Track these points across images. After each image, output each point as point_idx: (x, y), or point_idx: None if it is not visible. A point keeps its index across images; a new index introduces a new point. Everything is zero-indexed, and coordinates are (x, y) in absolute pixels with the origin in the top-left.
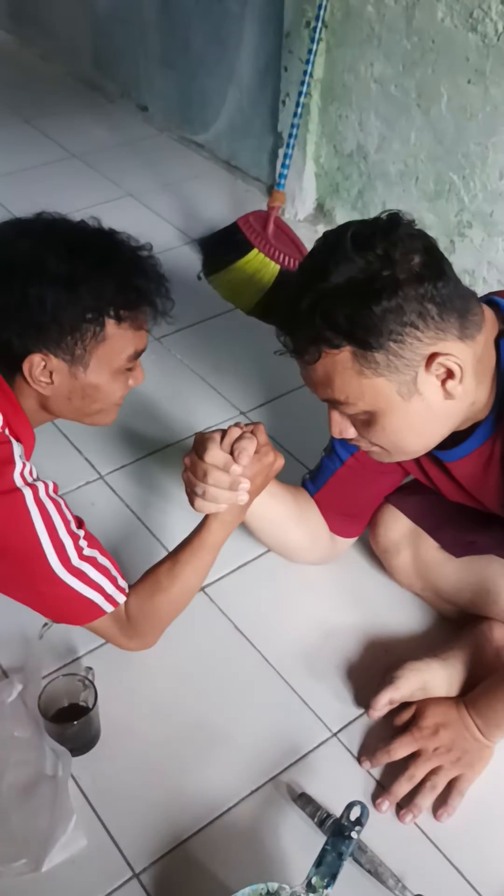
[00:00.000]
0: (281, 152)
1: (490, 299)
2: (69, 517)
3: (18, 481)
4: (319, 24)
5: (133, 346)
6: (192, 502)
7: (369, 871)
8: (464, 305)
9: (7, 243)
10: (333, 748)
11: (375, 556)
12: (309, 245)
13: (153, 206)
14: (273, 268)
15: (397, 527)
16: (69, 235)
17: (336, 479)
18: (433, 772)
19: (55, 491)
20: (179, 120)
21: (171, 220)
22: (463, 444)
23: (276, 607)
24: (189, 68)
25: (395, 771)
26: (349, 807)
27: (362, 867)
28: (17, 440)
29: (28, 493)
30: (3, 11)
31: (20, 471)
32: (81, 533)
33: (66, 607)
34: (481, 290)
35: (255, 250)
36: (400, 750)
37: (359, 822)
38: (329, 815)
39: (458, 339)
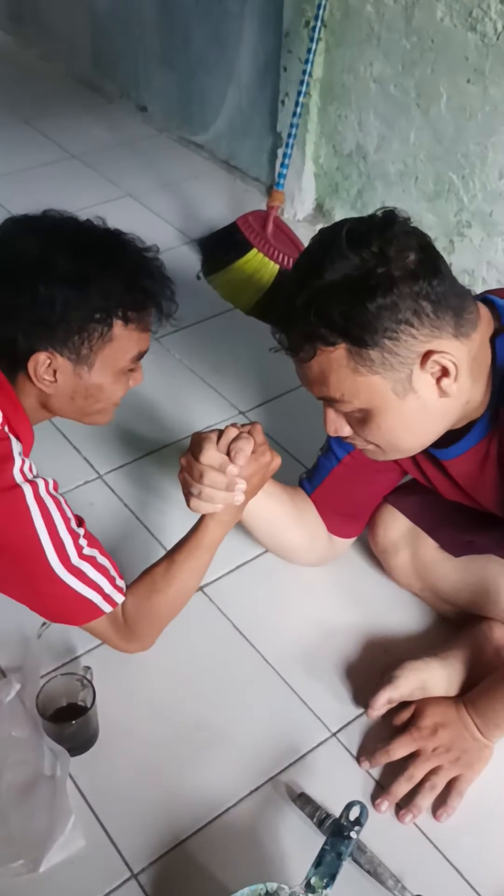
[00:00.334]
0: (280, 152)
1: (486, 298)
2: (69, 515)
3: (18, 478)
4: (319, 24)
5: (137, 347)
6: (188, 502)
7: (368, 872)
8: (459, 303)
9: (15, 241)
10: (332, 748)
11: (374, 556)
12: None
13: (152, 206)
14: (272, 267)
15: (396, 527)
16: (77, 235)
17: (333, 477)
18: (432, 772)
19: (55, 488)
20: (179, 120)
21: (170, 220)
22: (459, 442)
23: (274, 607)
24: (188, 68)
25: (394, 771)
26: (348, 807)
27: (361, 867)
28: (17, 437)
29: (28, 490)
30: (3, 12)
31: (20, 467)
32: (81, 531)
33: (63, 607)
34: (480, 290)
35: (255, 250)
36: (399, 750)
37: (358, 822)
38: (328, 816)
39: (454, 337)
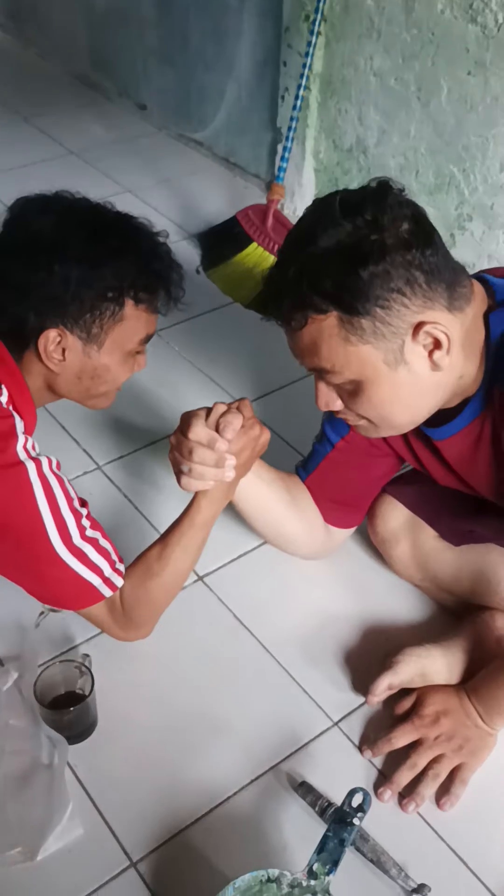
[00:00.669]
0: (280, 147)
1: (480, 276)
2: (72, 494)
3: (22, 454)
4: (319, 17)
5: (146, 329)
6: (178, 481)
7: (371, 861)
8: (453, 277)
9: (30, 220)
10: (334, 737)
11: (374, 547)
12: None
13: (151, 202)
14: (272, 261)
15: (395, 516)
16: (91, 215)
17: (327, 462)
18: (435, 760)
19: (58, 467)
20: (178, 117)
21: (169, 215)
22: (452, 421)
23: (275, 597)
24: (187, 65)
25: (396, 760)
26: (351, 793)
27: (364, 856)
28: (20, 417)
29: (31, 467)
30: (2, 11)
31: (23, 444)
32: (84, 511)
33: (62, 589)
34: None
35: (254, 244)
36: (401, 738)
37: (361, 808)
38: (330, 804)
39: (447, 310)
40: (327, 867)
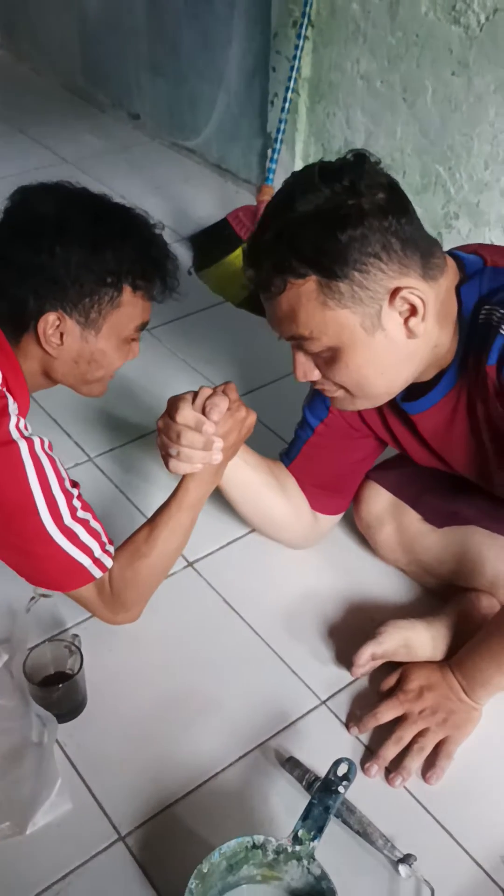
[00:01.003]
0: (269, 151)
1: (451, 252)
2: (64, 475)
3: (14, 433)
4: (305, 22)
5: (141, 316)
6: (167, 464)
7: (358, 833)
8: (427, 247)
9: (33, 204)
10: (322, 715)
11: (360, 534)
12: None
13: (144, 207)
14: None
15: (379, 501)
16: (92, 202)
17: (308, 447)
18: (420, 734)
19: (50, 448)
20: (170, 126)
21: (162, 220)
22: (428, 394)
23: (264, 582)
24: (179, 74)
25: (382, 736)
26: (336, 763)
27: (351, 828)
28: (13, 399)
29: (24, 446)
30: None
31: (15, 423)
32: (76, 492)
33: (52, 570)
34: None
35: (245, 244)
36: (386, 714)
37: (346, 777)
38: (317, 779)
39: (421, 279)
40: (312, 833)
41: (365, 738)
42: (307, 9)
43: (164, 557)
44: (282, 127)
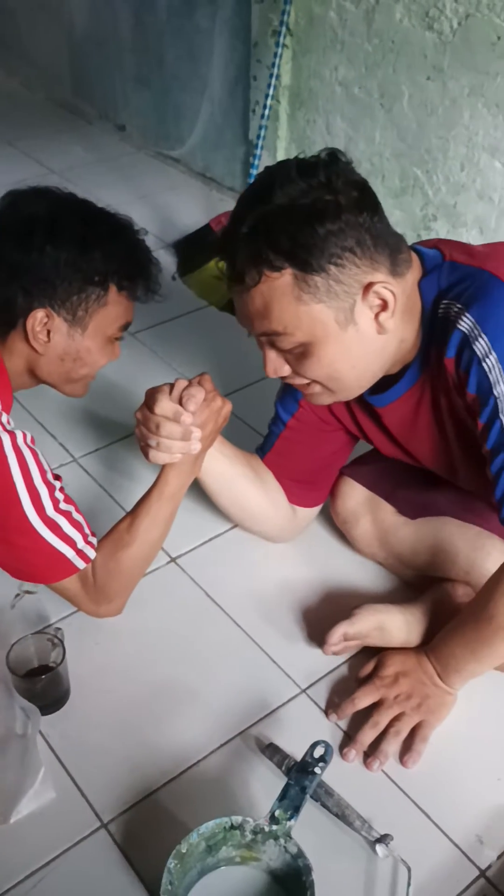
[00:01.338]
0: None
1: (412, 247)
2: (46, 467)
3: None
4: (284, 30)
5: (126, 316)
6: (146, 455)
7: (336, 815)
8: (395, 244)
9: (23, 204)
10: (302, 703)
11: (338, 529)
12: None
13: (131, 215)
14: None
15: (354, 495)
16: (80, 205)
17: (281, 441)
18: (396, 718)
19: (33, 442)
20: (155, 137)
21: (148, 227)
22: (394, 387)
23: (245, 576)
24: (163, 85)
25: (360, 722)
26: (313, 746)
27: (330, 811)
28: None
29: (6, 439)
30: None
31: None
32: (58, 485)
33: (36, 561)
34: None
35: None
36: (363, 699)
37: (322, 759)
38: (296, 763)
39: (390, 274)
40: (288, 813)
41: (344, 724)
42: (285, 18)
43: (146, 547)
44: (263, 133)
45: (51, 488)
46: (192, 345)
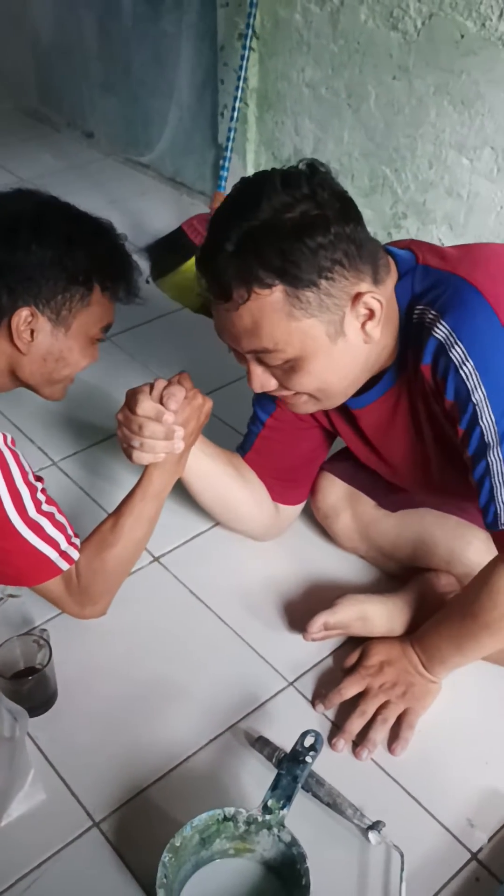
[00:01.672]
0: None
1: (385, 249)
2: (27, 469)
3: None
4: (250, 33)
5: (107, 317)
6: (129, 456)
7: (328, 804)
8: (375, 250)
9: (7, 205)
10: (290, 695)
11: (320, 525)
12: None
13: None
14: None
15: (334, 490)
16: (64, 206)
17: (261, 440)
18: (383, 706)
19: (13, 443)
20: (124, 143)
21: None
22: (371, 390)
23: (229, 573)
24: (130, 92)
25: (348, 712)
26: (303, 735)
27: (321, 801)
28: None
29: None
30: None
31: None
32: (40, 486)
33: (18, 563)
34: None
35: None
36: (349, 689)
37: (313, 748)
38: (286, 755)
39: (373, 283)
40: (281, 802)
41: (331, 714)
42: (251, 21)
43: (130, 547)
44: (232, 136)
45: (32, 490)
46: (167, 347)
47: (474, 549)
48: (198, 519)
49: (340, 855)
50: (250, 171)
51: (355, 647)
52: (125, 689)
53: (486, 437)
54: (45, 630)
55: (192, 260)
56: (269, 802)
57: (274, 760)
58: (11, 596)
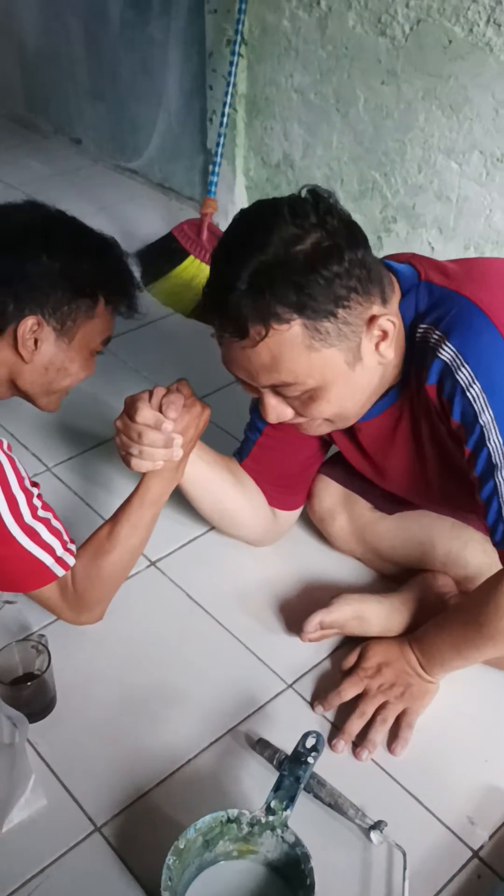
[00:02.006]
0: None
1: (386, 264)
2: (23, 474)
3: None
4: (238, 39)
5: (109, 329)
6: (128, 464)
7: (329, 805)
8: (380, 271)
9: (14, 216)
10: (289, 698)
11: (317, 529)
12: None
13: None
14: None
15: (330, 493)
16: (72, 220)
17: (258, 447)
18: (382, 707)
19: (9, 449)
20: (112, 149)
21: None
22: (374, 405)
23: (226, 577)
24: (118, 98)
25: (347, 713)
26: (305, 736)
27: (322, 801)
28: None
29: None
30: None
31: None
32: (36, 492)
33: (14, 569)
34: None
35: (192, 257)
36: (348, 691)
37: (314, 749)
38: (287, 756)
39: (382, 303)
40: (284, 803)
41: (331, 715)
42: (240, 27)
43: (126, 553)
44: (221, 141)
45: (28, 495)
46: (159, 352)
47: (471, 549)
48: (194, 523)
49: (343, 855)
50: (239, 176)
51: (353, 648)
52: (124, 692)
53: (493, 457)
54: (43, 635)
55: (183, 265)
56: (273, 804)
57: (274, 762)
58: (8, 602)
